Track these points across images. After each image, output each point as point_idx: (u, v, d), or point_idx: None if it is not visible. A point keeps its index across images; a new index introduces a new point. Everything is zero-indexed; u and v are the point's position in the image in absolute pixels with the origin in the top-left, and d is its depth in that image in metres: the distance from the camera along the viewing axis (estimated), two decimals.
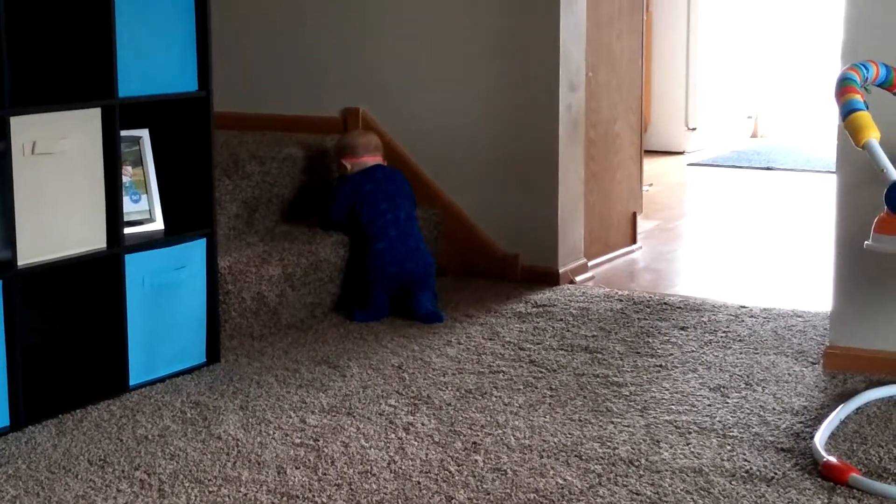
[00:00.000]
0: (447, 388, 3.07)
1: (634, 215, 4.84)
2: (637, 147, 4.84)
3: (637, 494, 2.41)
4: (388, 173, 3.93)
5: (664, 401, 2.96)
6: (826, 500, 2.38)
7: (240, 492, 2.44)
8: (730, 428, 2.77)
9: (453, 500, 2.39)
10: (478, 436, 2.73)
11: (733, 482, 2.47)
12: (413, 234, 3.81)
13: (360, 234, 3.79)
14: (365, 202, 3.81)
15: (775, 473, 2.51)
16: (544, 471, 2.53)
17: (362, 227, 3.78)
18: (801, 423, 2.80)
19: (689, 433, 2.74)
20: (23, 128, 2.77)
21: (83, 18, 2.96)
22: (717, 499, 2.39)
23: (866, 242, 2.69)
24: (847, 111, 2.63)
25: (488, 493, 2.42)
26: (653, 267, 4.59)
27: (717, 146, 8.04)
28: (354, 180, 3.88)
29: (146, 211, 3.21)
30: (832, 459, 2.49)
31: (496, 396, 3.00)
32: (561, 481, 2.47)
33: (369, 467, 2.55)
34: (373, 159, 3.95)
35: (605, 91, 4.54)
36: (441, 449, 2.66)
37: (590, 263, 4.37)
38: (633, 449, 2.65)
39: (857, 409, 2.87)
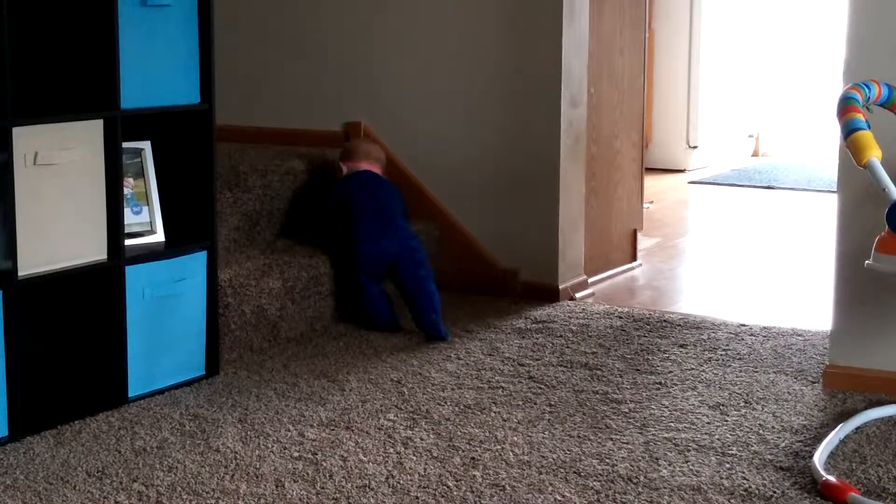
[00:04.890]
0: (446, 403, 3.07)
1: (635, 232, 4.84)
2: (638, 164, 4.84)
3: None
4: (376, 178, 3.98)
5: (663, 418, 2.96)
6: None
7: None
8: (729, 446, 2.77)
9: None
10: (476, 451, 2.73)
11: (732, 500, 2.46)
12: (389, 219, 3.82)
13: (346, 227, 3.81)
14: (350, 197, 3.87)
15: (774, 492, 2.50)
16: (542, 487, 2.53)
17: (346, 219, 3.82)
18: (800, 441, 2.80)
19: (688, 451, 2.74)
20: (25, 138, 2.77)
21: (86, 30, 2.96)
22: None
23: (867, 262, 2.69)
24: (849, 130, 2.64)
25: None
26: (653, 284, 4.58)
27: (718, 164, 8.05)
28: (343, 180, 3.96)
29: (147, 223, 3.21)
30: (831, 479, 2.49)
31: (495, 412, 3.00)
32: (559, 498, 2.47)
33: (367, 481, 2.55)
34: (366, 166, 4.00)
35: (607, 107, 4.55)
36: (439, 464, 2.65)
37: (590, 280, 4.37)
38: (631, 466, 2.64)
39: (857, 429, 2.87)
